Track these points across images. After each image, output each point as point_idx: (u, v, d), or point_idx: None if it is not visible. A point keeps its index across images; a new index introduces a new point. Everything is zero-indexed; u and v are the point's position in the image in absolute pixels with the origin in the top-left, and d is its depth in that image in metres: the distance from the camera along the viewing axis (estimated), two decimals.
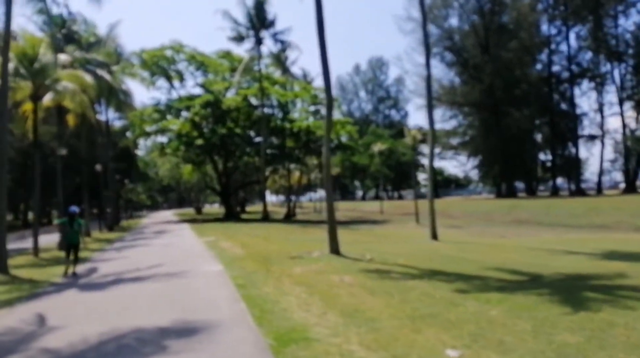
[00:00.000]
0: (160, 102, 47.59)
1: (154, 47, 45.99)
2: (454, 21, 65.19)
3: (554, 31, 63.44)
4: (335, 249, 14.18)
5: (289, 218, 50.27)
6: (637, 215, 28.66)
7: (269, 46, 50.77)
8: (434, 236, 19.22)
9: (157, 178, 79.46)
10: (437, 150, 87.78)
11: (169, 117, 46.15)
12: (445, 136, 70.07)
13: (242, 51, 65.39)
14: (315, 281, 10.04)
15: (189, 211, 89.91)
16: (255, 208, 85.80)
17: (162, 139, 48.73)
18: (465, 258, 13.24)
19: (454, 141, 74.14)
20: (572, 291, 8.55)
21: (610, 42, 59.08)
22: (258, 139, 45.83)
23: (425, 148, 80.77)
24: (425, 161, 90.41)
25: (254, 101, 46.19)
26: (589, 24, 60.33)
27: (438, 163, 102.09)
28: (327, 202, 14.94)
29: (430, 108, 19.70)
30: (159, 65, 46.22)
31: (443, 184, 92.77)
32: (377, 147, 55.09)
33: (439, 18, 63.81)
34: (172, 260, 14.86)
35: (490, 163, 65.34)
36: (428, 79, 19.94)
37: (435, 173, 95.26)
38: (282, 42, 42.99)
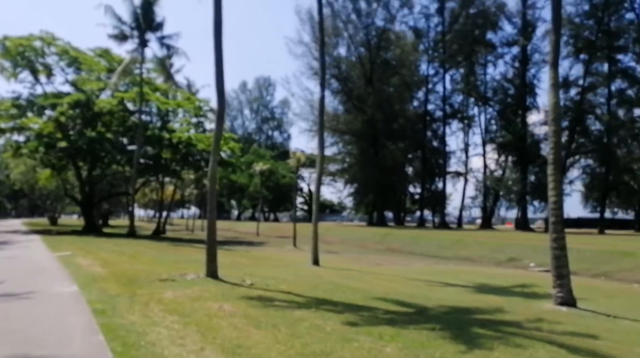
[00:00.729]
0: (21, 96, 42.49)
1: (20, 35, 41.17)
2: (342, 50, 67.26)
3: (432, 72, 68.16)
4: (212, 272, 12.96)
5: (158, 234, 47.26)
6: (497, 251, 30.78)
7: (153, 50, 47.82)
8: (316, 261, 18.75)
9: (7, 182, 70.91)
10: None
11: (29, 114, 41.30)
12: (325, 161, 71.40)
13: (122, 51, 61.42)
14: (190, 309, 8.83)
15: (42, 221, 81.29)
16: (120, 221, 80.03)
17: (19, 138, 43.42)
18: (350, 286, 12.79)
19: (333, 167, 75.77)
20: (461, 326, 8.33)
21: (480, 87, 64.66)
22: (131, 147, 42.61)
23: (305, 172, 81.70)
24: (304, 185, 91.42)
25: (130, 106, 43.08)
26: (463, 68, 65.62)
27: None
28: (209, 219, 13.73)
29: (321, 132, 19.44)
30: (24, 56, 41.36)
31: (321, 209, 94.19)
32: (259, 167, 54.31)
33: (328, 46, 65.36)
34: (15, 277, 12.62)
35: (365, 191, 67.59)
36: (321, 102, 19.68)
37: (311, 197, 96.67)
38: (169, 47, 40.73)
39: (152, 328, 7.31)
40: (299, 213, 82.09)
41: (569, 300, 11.14)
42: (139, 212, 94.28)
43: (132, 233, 39.23)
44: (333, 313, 8.92)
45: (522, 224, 57.85)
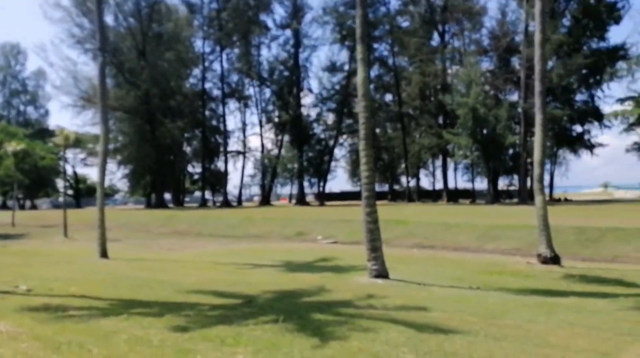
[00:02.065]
0: None
1: None
2: (109, 19, 60.77)
3: (208, 49, 66.30)
4: None
5: None
6: (285, 226, 31.50)
7: None
8: (104, 253, 16.27)
9: None
10: (81, 156, 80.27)
11: None
12: (93, 140, 64.29)
13: None
14: None
15: None
16: None
17: None
18: (155, 280, 11.21)
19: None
20: (301, 314, 7.74)
21: (256, 68, 65.38)
22: None
23: (69, 153, 72.63)
24: (68, 167, 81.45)
25: None
26: (239, 48, 65.39)
27: (83, 170, 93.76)
28: None
29: (104, 103, 16.69)
30: None
31: (87, 193, 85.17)
32: (11, 147, 46.06)
33: (92, 12, 58.41)
34: None
35: (142, 172, 63.19)
36: (102, 70, 16.86)
37: (78, 181, 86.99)
38: None
39: None
40: (61, 199, 72.90)
41: (383, 272, 11.50)
42: None
43: None
44: (151, 318, 7.46)
45: (300, 199, 60.96)
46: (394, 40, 63.86)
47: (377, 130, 65.24)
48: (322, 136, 65.10)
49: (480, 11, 62.51)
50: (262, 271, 13.55)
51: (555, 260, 14.60)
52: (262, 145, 67.13)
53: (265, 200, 65.67)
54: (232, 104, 68.86)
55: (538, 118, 14.94)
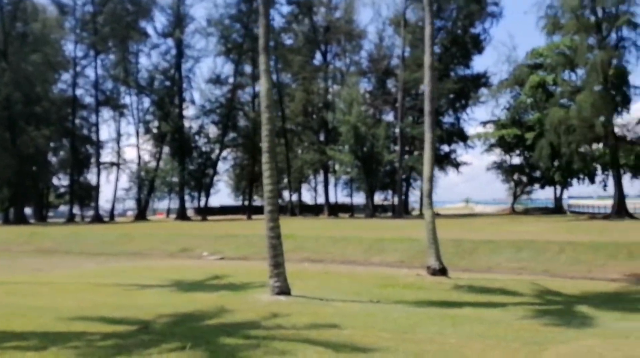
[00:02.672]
0: None
1: None
2: None
3: (80, 53, 61.58)
4: None
5: None
6: (167, 242, 29.95)
7: None
8: None
9: None
10: None
11: None
12: None
13: None
14: None
15: None
16: None
17: None
18: (29, 306, 9.87)
19: None
20: (208, 340, 7.19)
21: (134, 76, 62.06)
22: None
23: None
24: None
25: None
26: (116, 54, 61.59)
27: None
28: None
29: None
30: None
31: None
32: None
33: None
34: None
35: (0, 184, 56.64)
36: None
37: None
38: None
39: None
40: None
41: (285, 289, 11.20)
42: None
43: None
44: (33, 353, 6.46)
45: (181, 214, 58.59)
46: (278, 57, 64.45)
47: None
48: (204, 149, 63.33)
49: (360, 34, 65.46)
50: (152, 292, 12.58)
51: (443, 271, 15.36)
52: (139, 157, 63.71)
53: (141, 215, 62.18)
54: (106, 113, 64.63)
55: (427, 136, 15.74)
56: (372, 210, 53.66)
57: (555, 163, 46.01)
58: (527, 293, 12.69)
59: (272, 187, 11.47)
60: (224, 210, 75.27)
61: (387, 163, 54.76)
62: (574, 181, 54.94)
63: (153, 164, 63.62)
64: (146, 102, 64.40)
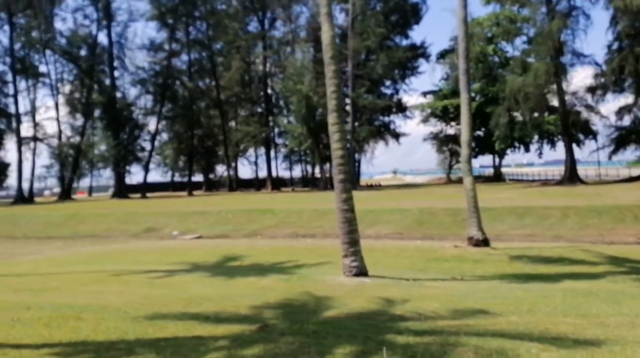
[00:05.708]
0: None
1: None
2: None
3: None
4: None
5: None
6: (127, 222, 27.13)
7: None
8: None
9: None
10: None
11: None
12: None
13: None
14: None
15: None
16: None
17: None
18: (71, 305, 7.57)
19: None
20: (379, 341, 5.53)
21: (57, 42, 56.03)
22: None
23: None
24: None
25: None
26: (34, 17, 55.00)
27: None
28: None
29: None
30: None
31: None
32: None
33: None
34: None
35: None
36: None
37: None
38: None
39: None
40: None
41: (363, 269, 9.63)
42: None
43: None
44: None
45: (120, 191, 54.26)
46: (211, 24, 60.71)
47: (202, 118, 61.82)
48: (141, 121, 58.84)
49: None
50: (189, 278, 10.49)
51: (486, 242, 14.39)
52: (60, 131, 57.45)
53: (66, 194, 56.63)
54: (22, 84, 57.76)
55: (464, 97, 14.54)
56: (325, 182, 52.47)
57: (497, 132, 46.28)
58: (597, 262, 11.96)
59: (343, 152, 9.78)
60: (150, 187, 67.65)
61: None
62: (508, 150, 57.02)
63: (77, 139, 57.87)
64: (68, 71, 58.47)
